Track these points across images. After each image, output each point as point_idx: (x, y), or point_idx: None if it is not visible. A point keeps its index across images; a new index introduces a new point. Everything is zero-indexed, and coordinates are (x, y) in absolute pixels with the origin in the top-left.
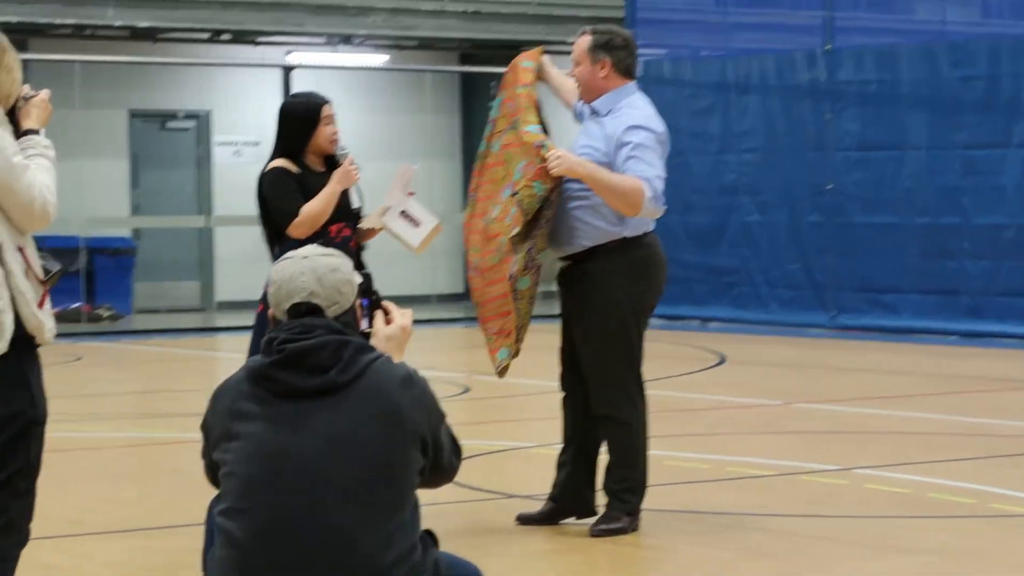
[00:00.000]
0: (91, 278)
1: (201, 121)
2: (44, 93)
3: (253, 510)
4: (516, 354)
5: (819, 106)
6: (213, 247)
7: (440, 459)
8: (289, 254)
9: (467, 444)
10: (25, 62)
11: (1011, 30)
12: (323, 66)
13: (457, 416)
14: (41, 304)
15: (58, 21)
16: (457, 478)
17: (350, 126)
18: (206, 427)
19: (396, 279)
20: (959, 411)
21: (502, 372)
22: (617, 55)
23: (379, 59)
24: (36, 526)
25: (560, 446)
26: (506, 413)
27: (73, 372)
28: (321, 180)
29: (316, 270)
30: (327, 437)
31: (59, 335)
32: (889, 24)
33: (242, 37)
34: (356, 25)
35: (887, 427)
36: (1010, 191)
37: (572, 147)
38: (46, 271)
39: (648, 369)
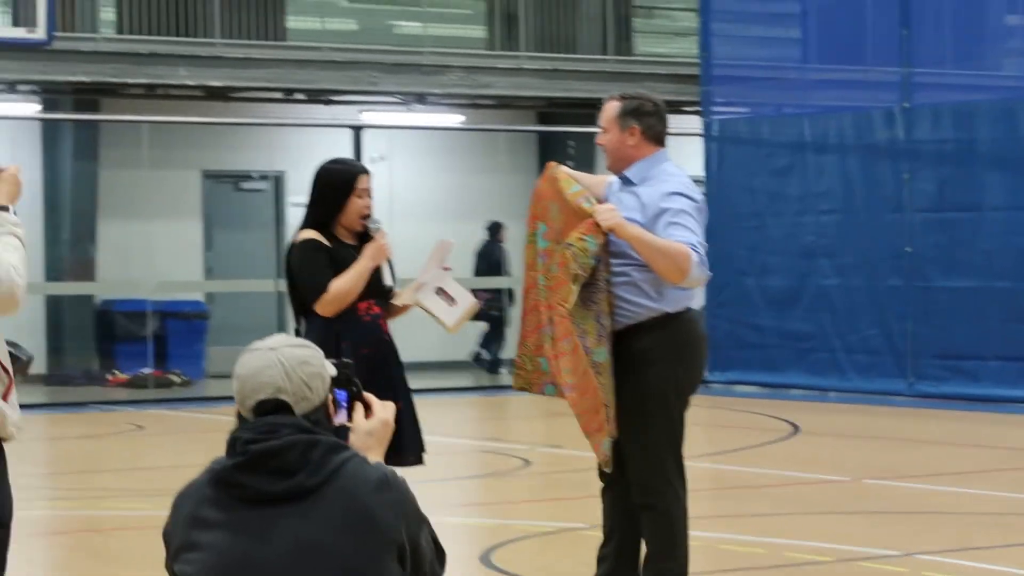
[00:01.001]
0: (162, 343)
1: (275, 182)
2: (13, 168)
3: None
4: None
5: (897, 165)
6: (287, 310)
7: (421, 569)
8: (254, 345)
9: (517, 524)
10: (95, 122)
11: None
12: (393, 126)
13: (512, 493)
14: (6, 396)
15: (129, 80)
16: (497, 561)
17: (423, 186)
18: (167, 536)
19: (458, 344)
20: None
21: (608, 463)
22: (647, 122)
23: (454, 119)
24: None
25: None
26: (564, 490)
27: (130, 443)
28: (352, 254)
29: (284, 363)
30: (294, 546)
31: (123, 403)
32: (970, 81)
33: (315, 96)
34: (431, 84)
35: (957, 506)
36: None
37: None
38: (14, 359)
39: (717, 440)
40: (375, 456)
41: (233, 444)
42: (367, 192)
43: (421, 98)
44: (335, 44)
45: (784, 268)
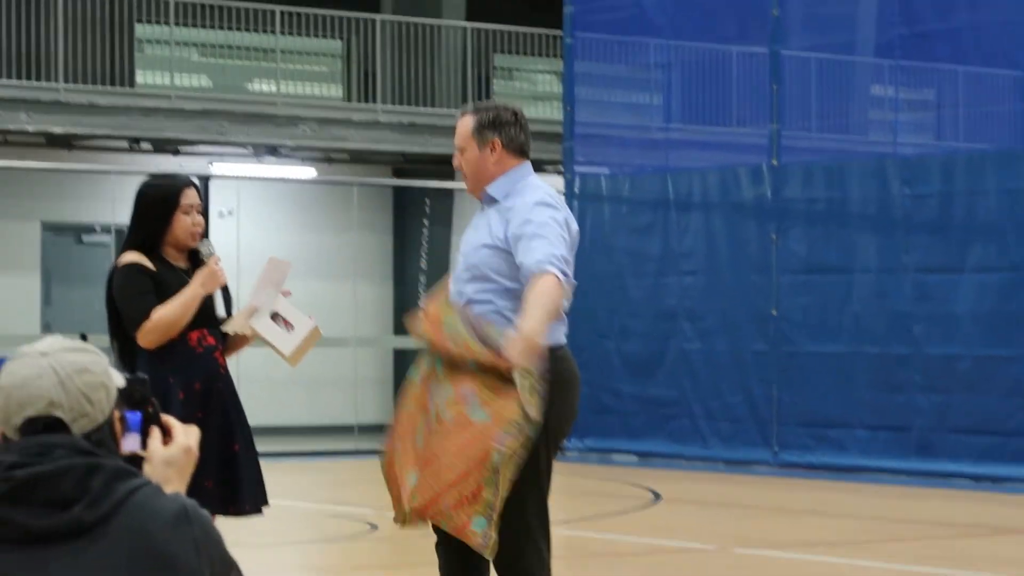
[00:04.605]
0: None
1: (118, 235)
2: None
3: None
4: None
5: (764, 225)
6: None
7: None
8: (23, 349)
9: None
10: None
11: (965, 145)
12: (242, 176)
13: (362, 558)
14: None
15: None
16: None
17: (273, 241)
18: None
19: (315, 407)
20: (905, 559)
21: (493, 548)
22: (508, 132)
23: (307, 172)
24: None
25: None
26: (416, 555)
27: None
28: (182, 278)
29: (59, 371)
30: None
31: None
32: (839, 145)
33: (162, 146)
34: (283, 135)
35: None
36: (965, 319)
37: (464, 248)
38: None
39: (575, 507)
40: (174, 490)
41: None
42: (195, 208)
43: (273, 150)
44: (184, 94)
45: (644, 331)
